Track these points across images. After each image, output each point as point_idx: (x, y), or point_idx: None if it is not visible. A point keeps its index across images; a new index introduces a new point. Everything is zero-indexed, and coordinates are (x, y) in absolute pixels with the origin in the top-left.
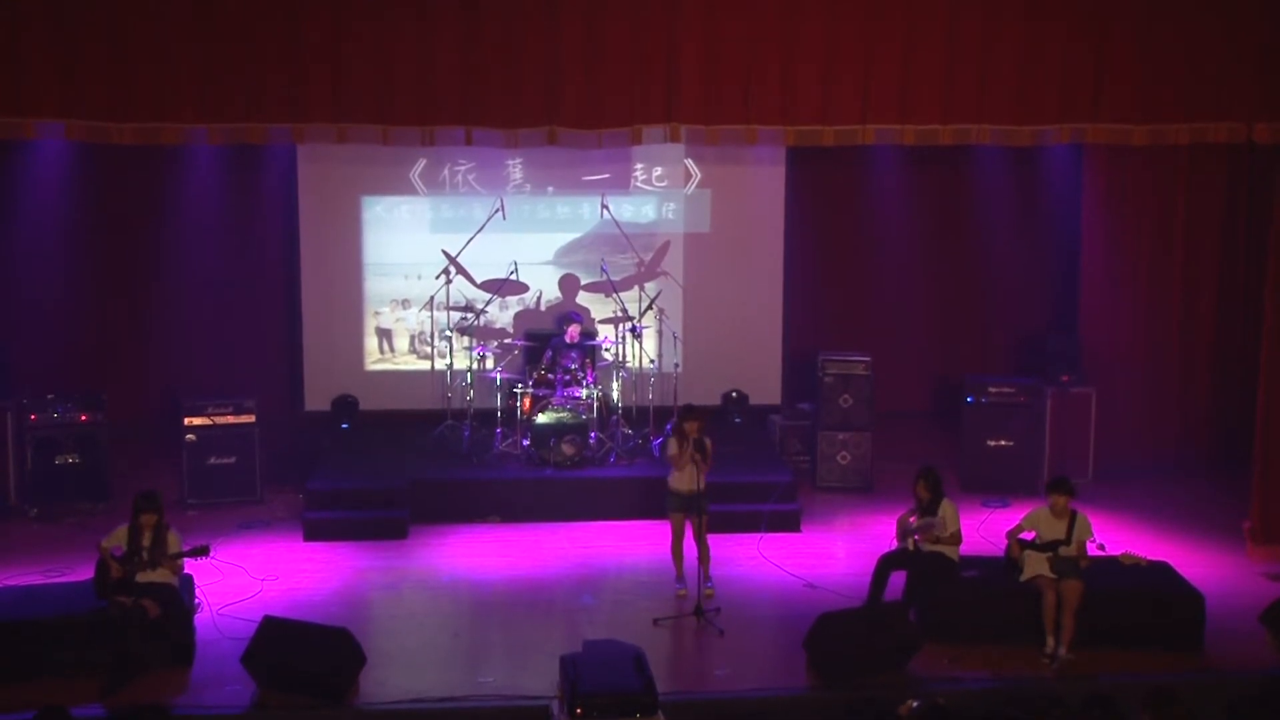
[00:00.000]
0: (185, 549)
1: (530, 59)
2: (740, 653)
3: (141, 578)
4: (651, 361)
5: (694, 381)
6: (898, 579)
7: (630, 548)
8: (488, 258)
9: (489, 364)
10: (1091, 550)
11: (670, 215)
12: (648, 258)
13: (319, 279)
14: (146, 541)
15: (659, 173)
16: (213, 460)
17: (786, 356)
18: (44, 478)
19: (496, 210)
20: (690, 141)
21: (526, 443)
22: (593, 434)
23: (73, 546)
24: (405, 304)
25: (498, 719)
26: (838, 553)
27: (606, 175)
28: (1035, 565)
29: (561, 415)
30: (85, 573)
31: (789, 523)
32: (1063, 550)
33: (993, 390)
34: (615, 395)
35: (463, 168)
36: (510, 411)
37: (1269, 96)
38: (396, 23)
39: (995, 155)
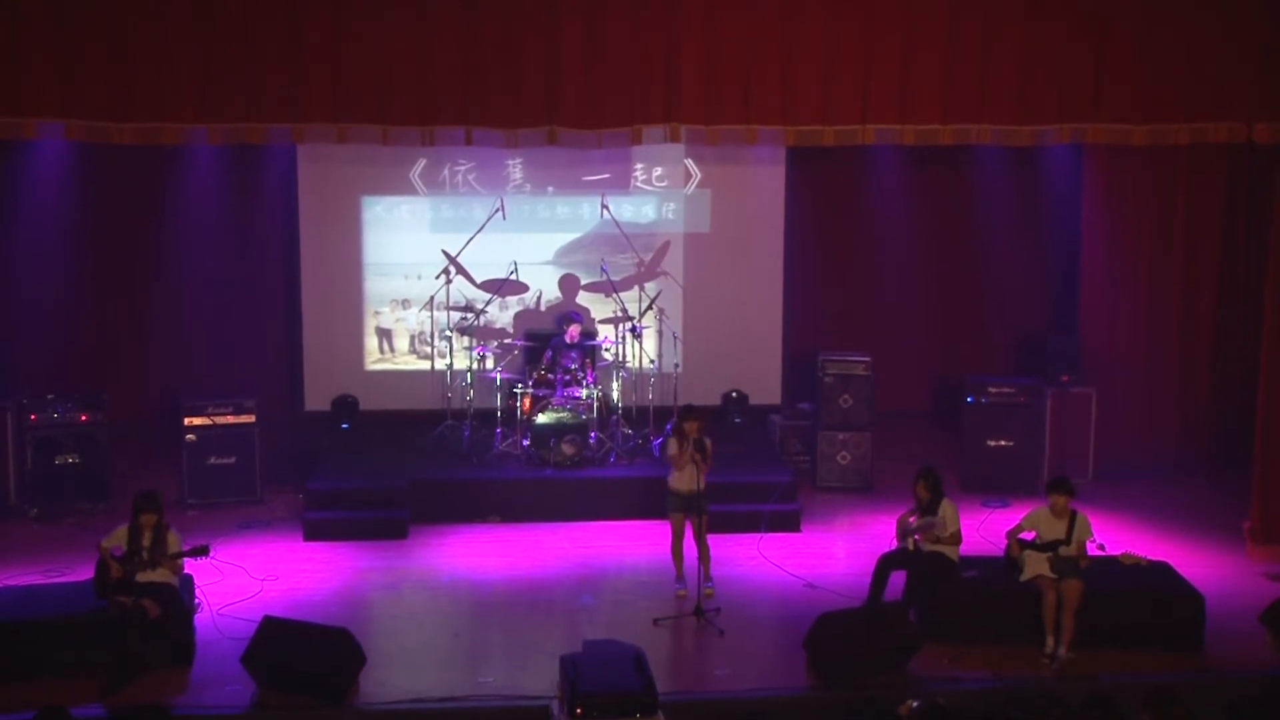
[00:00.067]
0: (185, 549)
1: (530, 59)
2: (740, 653)
3: (141, 578)
4: (651, 361)
5: (694, 381)
6: (898, 579)
7: (630, 548)
8: (488, 258)
9: (489, 364)
10: (1091, 550)
11: (670, 215)
12: (648, 258)
13: (319, 279)
14: (146, 541)
15: (659, 173)
16: (213, 460)
17: (786, 356)
18: (44, 478)
19: (496, 210)
20: (690, 141)
21: (526, 443)
22: (593, 434)
23: (73, 546)
24: (405, 304)
25: (498, 719)
26: (838, 553)
27: (606, 175)
28: (1035, 565)
29: (561, 415)
30: (85, 573)
31: (789, 523)
32: (1063, 550)
33: (993, 390)
34: (615, 395)
35: (463, 168)
36: (510, 411)
37: (1269, 96)
38: (396, 23)
39: (995, 155)
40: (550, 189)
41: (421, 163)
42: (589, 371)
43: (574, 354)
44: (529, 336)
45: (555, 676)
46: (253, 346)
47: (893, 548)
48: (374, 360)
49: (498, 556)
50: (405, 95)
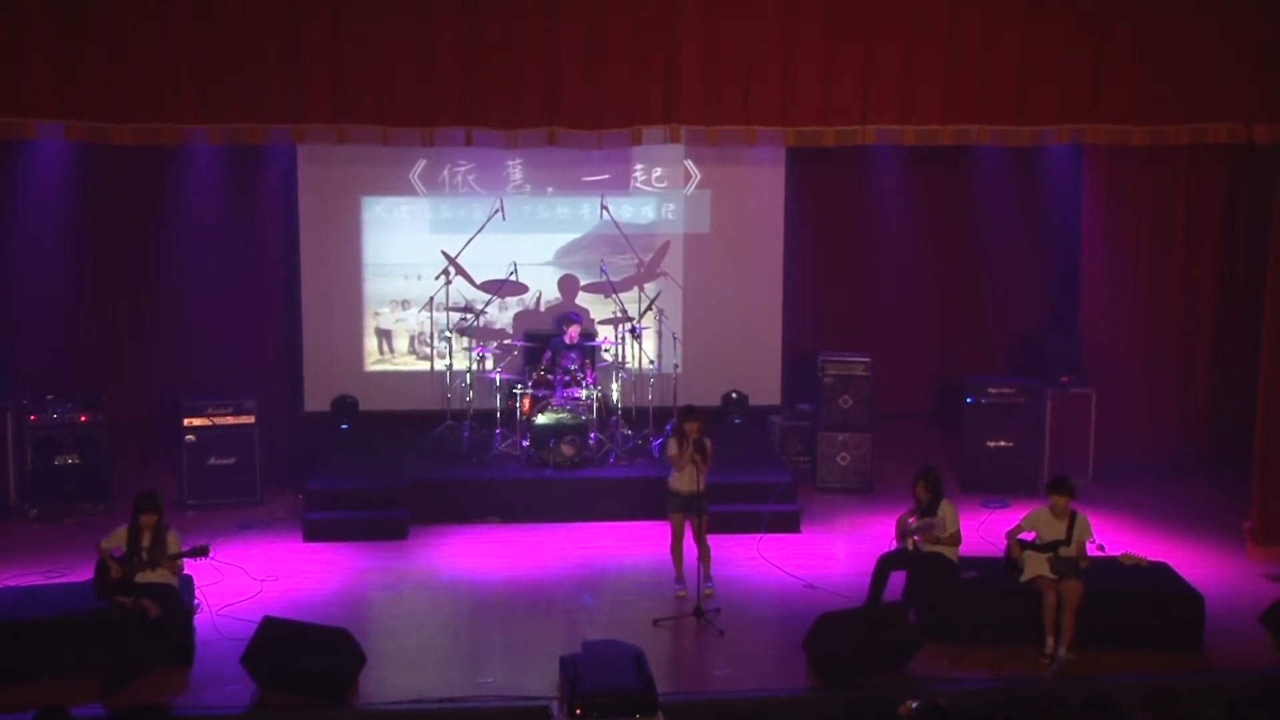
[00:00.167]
0: (185, 549)
1: (530, 59)
2: (740, 653)
3: (141, 578)
4: (651, 362)
5: (694, 382)
6: (897, 579)
7: (630, 548)
8: (487, 258)
9: (489, 365)
10: (1091, 551)
11: (670, 216)
12: (647, 258)
13: (319, 279)
14: (146, 542)
15: (659, 173)
16: (213, 461)
17: (786, 357)
18: (44, 478)
19: (496, 211)
20: (690, 142)
21: (526, 443)
22: (592, 435)
23: (73, 547)
24: (405, 304)
25: (497, 719)
26: (837, 553)
27: (606, 176)
28: (1035, 566)
29: (561, 416)
30: (85, 573)
31: (789, 523)
32: (1063, 551)
33: (993, 390)
34: (615, 396)
35: (462, 168)
36: (510, 412)
37: (1269, 96)
38: (396, 23)
39: (995, 155)
40: (550, 189)
41: (421, 163)
42: (588, 372)
43: (573, 355)
44: (528, 337)
45: (555, 677)
46: (253, 346)
47: (892, 548)
48: (374, 361)
49: (498, 557)
50: (405, 95)
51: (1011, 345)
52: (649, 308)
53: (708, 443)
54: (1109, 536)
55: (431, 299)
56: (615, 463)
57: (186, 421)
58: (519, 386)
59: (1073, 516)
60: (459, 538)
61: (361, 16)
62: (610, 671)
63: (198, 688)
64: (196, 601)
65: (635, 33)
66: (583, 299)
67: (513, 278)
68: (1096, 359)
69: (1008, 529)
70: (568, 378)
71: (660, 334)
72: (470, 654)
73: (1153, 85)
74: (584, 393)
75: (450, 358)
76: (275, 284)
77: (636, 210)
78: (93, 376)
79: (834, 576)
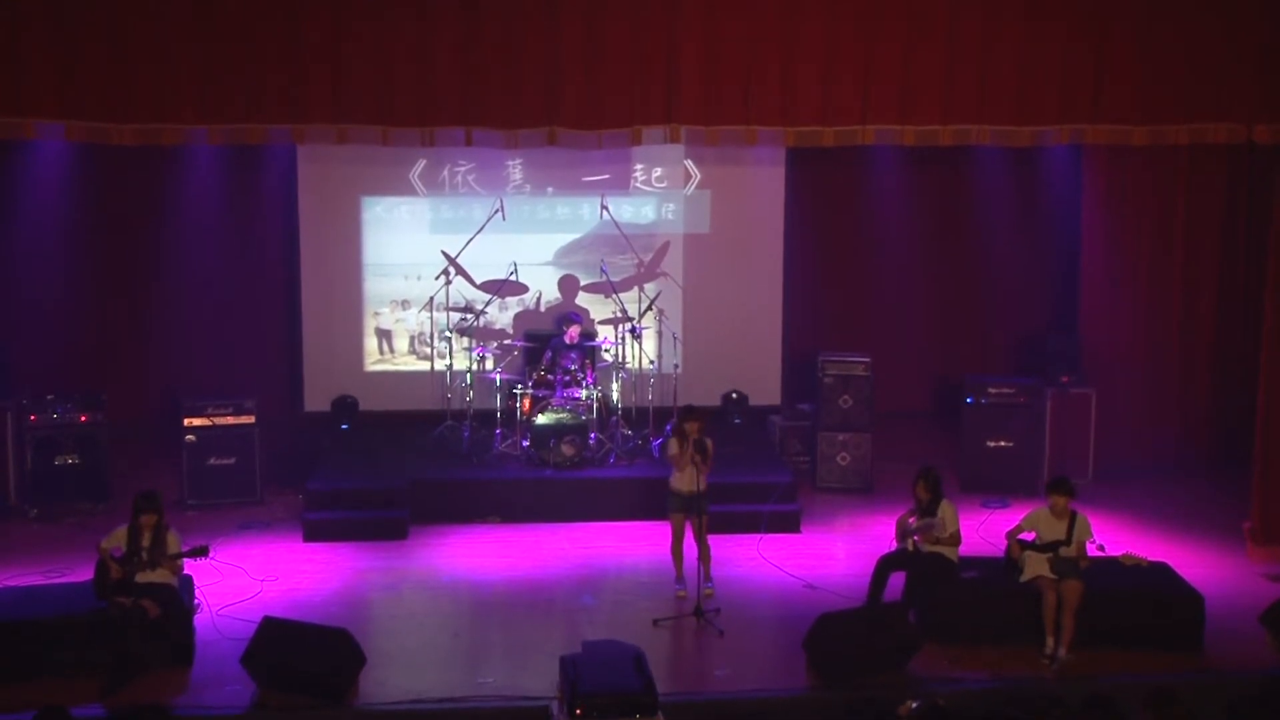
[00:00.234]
0: (185, 549)
1: (530, 59)
2: (740, 653)
3: (141, 578)
4: (651, 362)
5: (694, 382)
6: (897, 580)
7: (630, 548)
8: (487, 258)
9: (489, 365)
10: (1091, 551)
11: (670, 216)
12: (647, 258)
13: (319, 279)
14: (146, 542)
15: (659, 173)
16: (212, 461)
17: (786, 357)
18: (44, 478)
19: (496, 211)
20: (690, 142)
21: (526, 443)
22: (592, 435)
23: (73, 547)
24: (405, 305)
25: (497, 719)
26: (837, 553)
27: (606, 176)
28: (1035, 566)
29: (561, 416)
30: (85, 573)
31: (789, 523)
32: (1063, 551)
33: (993, 390)
34: (615, 396)
35: (462, 168)
36: (510, 412)
37: (1269, 96)
38: (396, 23)
39: (995, 155)
40: (550, 190)
41: (421, 163)
42: (589, 372)
43: (574, 355)
44: (528, 337)
45: (555, 677)
46: (253, 346)
47: (892, 549)
48: (374, 361)
49: (498, 557)
50: (405, 95)
51: (1011, 345)
52: (649, 308)
53: (709, 443)
54: (1109, 536)
55: (431, 299)
56: (615, 463)
57: (186, 421)
58: (519, 386)
59: (1073, 516)
60: (459, 538)
61: (361, 16)
62: (610, 671)
63: (198, 688)
64: (196, 601)
65: (635, 33)
66: (583, 299)
67: (513, 278)
68: (1096, 359)
69: (1008, 529)
70: (568, 378)
71: (660, 334)
72: (470, 654)
73: (1153, 85)
74: (584, 393)
75: (450, 358)
76: (275, 284)
77: (636, 210)
78: (93, 376)
79: (834, 576)
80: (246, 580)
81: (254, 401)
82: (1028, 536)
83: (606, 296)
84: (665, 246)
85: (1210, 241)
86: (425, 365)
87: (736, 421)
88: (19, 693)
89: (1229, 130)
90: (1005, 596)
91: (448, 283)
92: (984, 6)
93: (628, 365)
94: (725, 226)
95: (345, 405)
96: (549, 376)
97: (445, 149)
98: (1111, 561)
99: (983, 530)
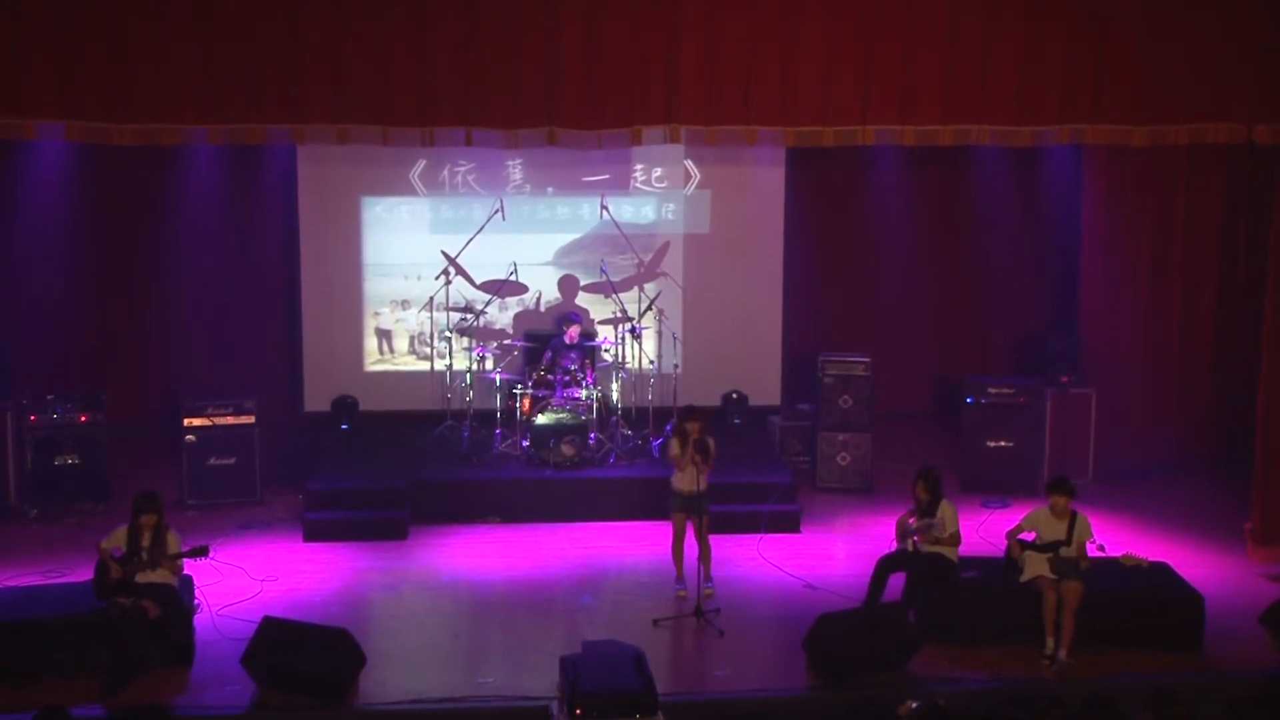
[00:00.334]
0: (185, 549)
1: (530, 59)
2: (740, 653)
3: (141, 578)
4: (651, 362)
5: (694, 382)
6: (897, 580)
7: (630, 548)
8: (487, 258)
9: (489, 365)
10: (1091, 551)
11: (670, 216)
12: (647, 258)
13: (319, 279)
14: (146, 542)
15: (659, 173)
16: (212, 461)
17: (786, 357)
18: (44, 478)
19: (496, 211)
20: (690, 142)
21: (526, 443)
22: (592, 435)
23: (73, 547)
24: (405, 305)
25: (497, 719)
26: (837, 554)
27: (606, 176)
28: (1035, 566)
29: (561, 416)
30: (85, 573)
31: (789, 523)
32: (1063, 551)
33: (993, 391)
34: (615, 396)
35: (462, 168)
36: (510, 412)
37: (1269, 96)
38: (396, 23)
39: (995, 155)
40: (550, 190)
41: (421, 163)
42: (588, 372)
43: (573, 355)
44: (528, 337)
45: (555, 677)
46: (253, 346)
47: (892, 549)
48: (374, 361)
49: (498, 557)
50: (405, 96)
51: (1011, 345)
52: (649, 308)
53: (710, 442)
54: (1109, 536)
55: (431, 299)
56: (615, 463)
57: (186, 421)
58: (519, 386)
59: (1073, 517)
60: (459, 538)
61: (361, 16)
62: (610, 672)
63: (198, 688)
64: (196, 601)
65: (635, 33)
66: (583, 299)
67: (513, 278)
68: (1096, 359)
69: (1008, 529)
70: (568, 378)
71: (660, 334)
72: (470, 654)
73: (1153, 85)
74: (584, 393)
75: (450, 358)
76: (275, 284)
77: (636, 210)
78: (93, 376)
79: (834, 576)
80: (246, 580)
81: (254, 401)
82: (1028, 536)
83: (606, 296)
84: (665, 246)
85: (1210, 241)
86: (425, 365)
87: (736, 421)
88: (19, 693)
89: (1229, 130)
90: (1005, 596)
91: (448, 283)
92: (984, 6)
93: (628, 365)
94: (725, 226)
95: (345, 405)
96: (549, 376)
97: (445, 149)
98: (1111, 562)
99: (983, 530)
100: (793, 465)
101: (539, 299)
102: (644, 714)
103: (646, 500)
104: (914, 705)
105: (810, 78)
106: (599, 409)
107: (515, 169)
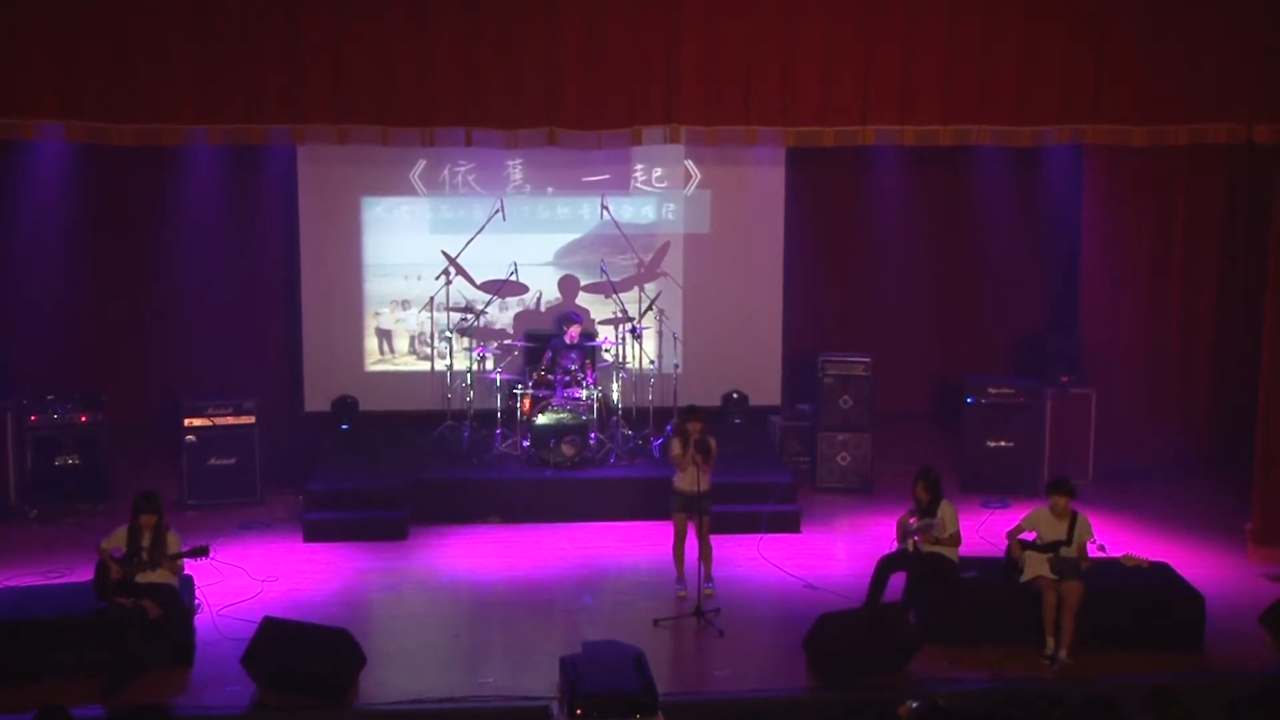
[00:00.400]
0: (185, 550)
1: (530, 59)
2: (740, 653)
3: (141, 578)
4: (651, 362)
5: (694, 382)
6: (897, 580)
7: (630, 548)
8: (487, 259)
9: (489, 365)
10: (1092, 551)
11: (670, 216)
12: (647, 258)
13: (319, 279)
14: (146, 542)
15: (659, 173)
16: (213, 461)
17: (786, 357)
18: (44, 478)
19: (496, 211)
20: (690, 142)
21: (526, 443)
22: (593, 435)
23: (73, 547)
24: (405, 305)
25: (497, 719)
26: (838, 554)
27: (606, 176)
28: (1036, 566)
29: (561, 416)
30: (85, 574)
31: (789, 524)
32: (1063, 551)
33: (993, 391)
34: (615, 396)
35: (462, 168)
36: (510, 412)
37: (1269, 97)
38: (396, 23)
39: (995, 155)
40: (550, 190)
41: (421, 163)
42: (589, 372)
43: (574, 355)
44: (529, 337)
45: (555, 677)
46: (253, 346)
47: (893, 549)
48: (374, 361)
49: (498, 557)
50: (405, 96)
51: (1011, 345)
52: (649, 308)
53: (712, 442)
54: (1109, 537)
55: (432, 299)
56: (615, 463)
57: (186, 422)
58: (519, 387)
59: (1073, 517)
60: (459, 538)
61: (361, 16)
62: (610, 672)
63: (198, 688)
64: (197, 602)
65: (635, 33)
66: (583, 299)
67: (513, 278)
68: (1096, 359)
69: (1008, 529)
70: (568, 378)
71: (660, 334)
72: (470, 654)
73: (1153, 85)
74: (584, 393)
75: (450, 358)
76: (275, 284)
77: (636, 210)
78: (93, 376)
79: (834, 577)
80: (247, 580)
81: (254, 401)
82: (1028, 537)
83: (607, 296)
84: (665, 246)
85: (1210, 241)
86: (425, 365)
87: (737, 422)
88: (19, 693)
89: (1229, 130)
90: (1005, 597)
91: (448, 283)
92: (984, 6)
93: (628, 365)
94: (725, 226)
95: (345, 405)
96: (549, 376)
97: (445, 149)
98: (1112, 562)
99: (983, 530)
100: (793, 465)
101: (539, 299)
102: (644, 714)
103: (647, 500)
104: (914, 705)
105: (810, 78)
106: (599, 409)
107: (515, 169)
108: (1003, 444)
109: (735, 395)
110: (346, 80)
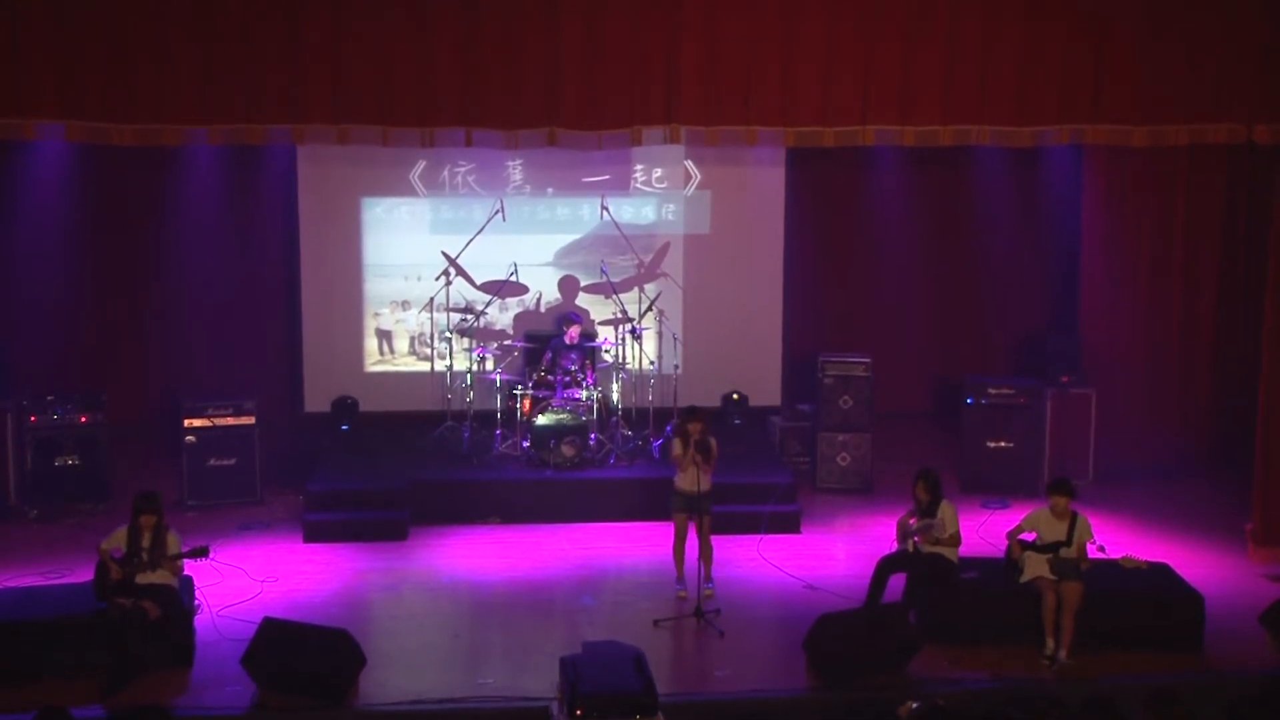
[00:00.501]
0: (185, 550)
1: (530, 59)
2: (740, 654)
3: (141, 579)
4: (651, 363)
5: (694, 383)
6: (897, 581)
7: (630, 549)
8: (487, 259)
9: (489, 365)
10: (1092, 552)
11: (670, 216)
12: (647, 259)
13: (319, 279)
14: (146, 543)
15: (659, 174)
16: (212, 461)
17: (786, 358)
18: (44, 478)
19: (496, 211)
20: (690, 143)
21: (526, 444)
22: (592, 435)
23: (73, 547)
24: (405, 305)
25: (497, 719)
26: (838, 554)
27: (606, 176)
28: (1035, 566)
29: (561, 416)
30: (85, 574)
31: (789, 524)
32: (1063, 552)
33: (992, 391)
34: (615, 396)
35: (463, 169)
36: (510, 413)
37: (1269, 96)
38: (396, 23)
39: (995, 156)
40: (550, 190)
41: (421, 164)
42: (589, 373)
43: (574, 355)
44: (529, 338)
45: (555, 677)
46: (253, 347)
47: (892, 549)
48: (374, 361)
49: (498, 558)
50: (405, 96)
51: (1011, 345)
52: (649, 308)
53: (712, 442)
54: (1109, 537)
55: (432, 300)
56: (615, 463)
57: (186, 422)
58: (519, 387)
59: (1073, 517)
60: (459, 538)
61: (361, 16)
62: (610, 672)
63: (198, 689)
64: (197, 602)
65: (635, 33)
66: (583, 299)
67: (513, 278)
68: (1096, 359)
69: (1008, 529)
70: (568, 378)
71: (660, 335)
72: (470, 655)
73: (1153, 85)
74: (584, 393)
75: (450, 358)
76: (275, 284)
77: (636, 211)
78: (93, 376)
79: (834, 577)
80: (247, 581)
81: (254, 402)
82: (1028, 537)
83: (607, 297)
84: (665, 247)
85: (1210, 241)
86: (425, 366)
87: (737, 422)
88: (19, 693)
89: (1229, 130)
90: (1005, 597)
91: (448, 283)
92: (984, 6)
93: (628, 366)
94: (725, 227)
95: (345, 406)
96: (549, 377)
97: (445, 149)
98: (1112, 563)
99: (983, 531)
100: (793, 466)
101: (539, 299)
102: (644, 714)
103: (647, 501)
104: (914, 706)
105: (810, 78)
106: (599, 410)
107: (515, 169)
108: (1003, 444)
109: (735, 396)
110: (346, 80)
